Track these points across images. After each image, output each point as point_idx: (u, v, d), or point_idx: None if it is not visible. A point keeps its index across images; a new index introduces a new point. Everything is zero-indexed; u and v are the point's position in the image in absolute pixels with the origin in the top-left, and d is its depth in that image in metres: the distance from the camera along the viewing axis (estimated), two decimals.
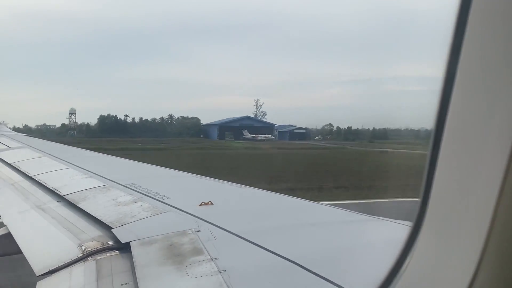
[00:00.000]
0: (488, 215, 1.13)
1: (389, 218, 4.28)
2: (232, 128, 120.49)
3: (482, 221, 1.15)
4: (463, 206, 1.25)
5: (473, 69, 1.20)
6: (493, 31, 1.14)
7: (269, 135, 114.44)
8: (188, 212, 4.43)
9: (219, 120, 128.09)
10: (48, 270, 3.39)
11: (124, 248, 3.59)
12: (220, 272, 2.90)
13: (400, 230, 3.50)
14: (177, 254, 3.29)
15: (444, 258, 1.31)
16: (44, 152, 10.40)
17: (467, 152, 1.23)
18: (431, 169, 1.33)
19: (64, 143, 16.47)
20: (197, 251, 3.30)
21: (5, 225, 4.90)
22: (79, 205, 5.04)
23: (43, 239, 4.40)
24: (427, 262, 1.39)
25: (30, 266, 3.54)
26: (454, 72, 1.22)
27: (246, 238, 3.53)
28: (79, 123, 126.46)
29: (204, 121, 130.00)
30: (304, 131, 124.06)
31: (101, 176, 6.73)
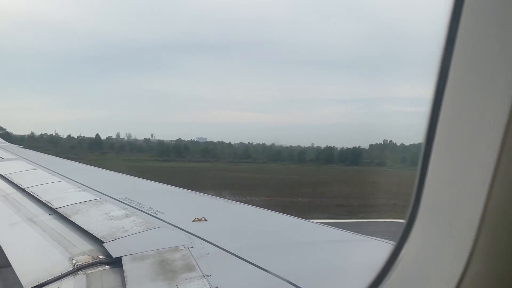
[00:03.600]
0: (477, 213, 1.17)
1: (378, 237, 4.31)
2: None
3: (472, 219, 1.19)
4: (454, 204, 1.29)
5: (466, 67, 1.25)
6: (481, 48, 1.20)
7: None
8: (181, 227, 4.41)
9: None
10: (37, 284, 3.34)
11: (115, 263, 3.56)
12: None
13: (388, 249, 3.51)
14: (169, 270, 3.27)
15: (435, 254, 1.35)
16: (38, 164, 10.33)
17: (458, 152, 1.28)
18: (423, 168, 1.38)
19: None
20: (189, 268, 3.28)
21: None
22: (71, 219, 5.00)
23: (33, 252, 4.34)
24: (419, 256, 1.42)
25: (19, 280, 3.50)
26: (446, 72, 1.27)
27: (239, 255, 3.51)
28: None
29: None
30: None
31: (95, 190, 6.70)
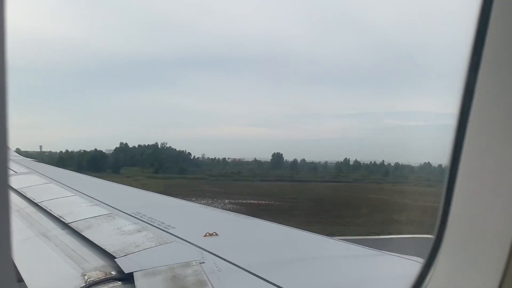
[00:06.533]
0: (508, 238, 1.10)
1: (397, 253, 4.22)
2: None
3: (501, 243, 1.12)
4: (481, 228, 1.22)
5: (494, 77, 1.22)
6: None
7: None
8: (193, 243, 4.39)
9: None
10: None
11: (127, 278, 3.55)
12: None
13: (408, 265, 3.43)
14: (180, 286, 3.24)
15: (463, 279, 1.28)
16: (51, 178, 10.44)
17: (487, 167, 1.23)
18: (449, 190, 1.32)
19: None
20: (201, 284, 3.25)
21: None
22: (83, 233, 5.01)
23: (46, 268, 4.35)
24: (447, 280, 1.36)
25: None
26: (474, 82, 1.23)
27: (251, 271, 3.47)
28: None
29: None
30: None
31: (107, 204, 6.72)
